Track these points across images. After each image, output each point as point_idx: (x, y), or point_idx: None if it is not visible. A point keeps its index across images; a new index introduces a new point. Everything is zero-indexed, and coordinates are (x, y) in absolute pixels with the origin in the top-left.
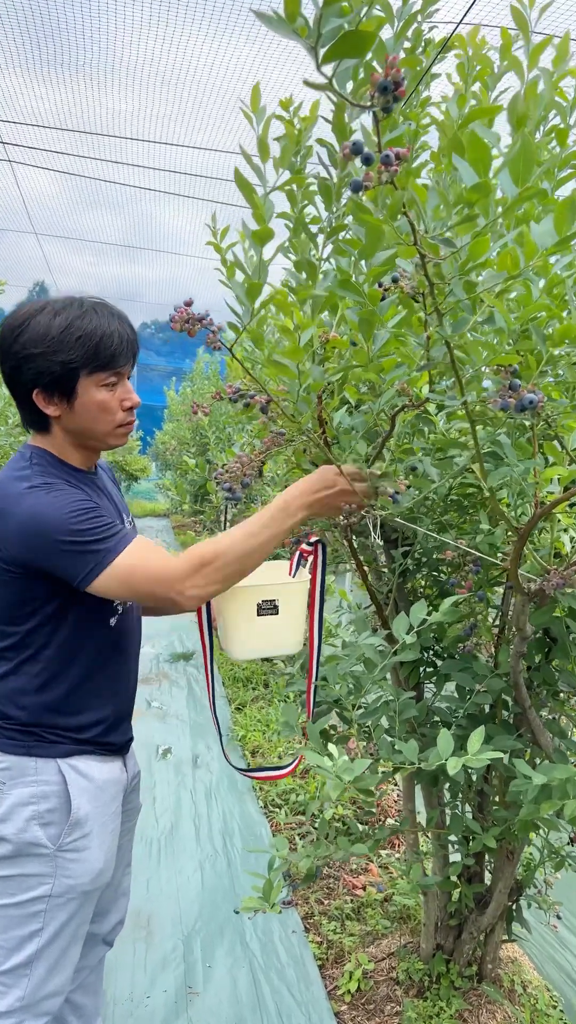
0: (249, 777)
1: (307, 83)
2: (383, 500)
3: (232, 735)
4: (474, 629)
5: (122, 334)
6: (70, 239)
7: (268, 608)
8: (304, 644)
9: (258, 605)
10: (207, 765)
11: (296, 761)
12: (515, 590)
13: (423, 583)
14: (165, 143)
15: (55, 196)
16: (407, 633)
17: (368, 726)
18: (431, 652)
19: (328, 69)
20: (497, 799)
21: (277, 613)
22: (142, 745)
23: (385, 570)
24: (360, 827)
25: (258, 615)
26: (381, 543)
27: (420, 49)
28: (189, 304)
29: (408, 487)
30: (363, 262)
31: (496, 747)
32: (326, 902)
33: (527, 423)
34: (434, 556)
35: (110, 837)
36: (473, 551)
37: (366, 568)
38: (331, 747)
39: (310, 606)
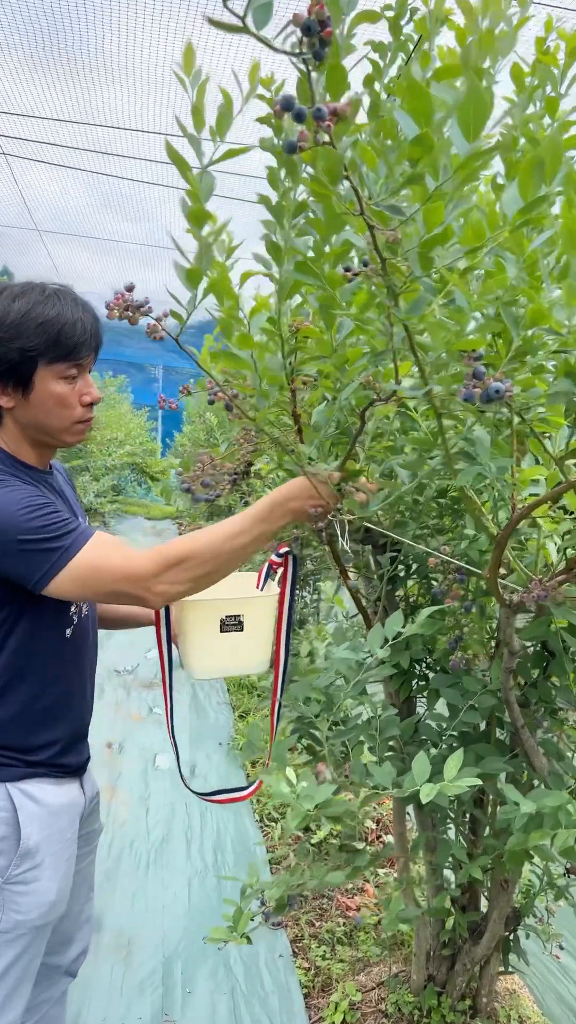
0: (208, 801)
1: (211, 21)
2: (350, 503)
3: (233, 744)
4: (459, 642)
5: (85, 323)
6: (89, 238)
7: (232, 624)
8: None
9: (221, 621)
10: (204, 775)
11: (256, 785)
12: (497, 602)
13: (417, 590)
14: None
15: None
16: (381, 647)
17: (345, 744)
18: (423, 664)
19: (239, 6)
20: (488, 825)
21: (242, 629)
22: (139, 752)
23: (373, 577)
24: (359, 845)
25: (221, 631)
26: (362, 548)
27: (406, 19)
28: (130, 289)
29: (380, 489)
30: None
31: (486, 769)
32: (317, 924)
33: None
34: (425, 562)
35: (64, 866)
36: (452, 559)
37: (357, 574)
38: (290, 771)
39: (278, 621)
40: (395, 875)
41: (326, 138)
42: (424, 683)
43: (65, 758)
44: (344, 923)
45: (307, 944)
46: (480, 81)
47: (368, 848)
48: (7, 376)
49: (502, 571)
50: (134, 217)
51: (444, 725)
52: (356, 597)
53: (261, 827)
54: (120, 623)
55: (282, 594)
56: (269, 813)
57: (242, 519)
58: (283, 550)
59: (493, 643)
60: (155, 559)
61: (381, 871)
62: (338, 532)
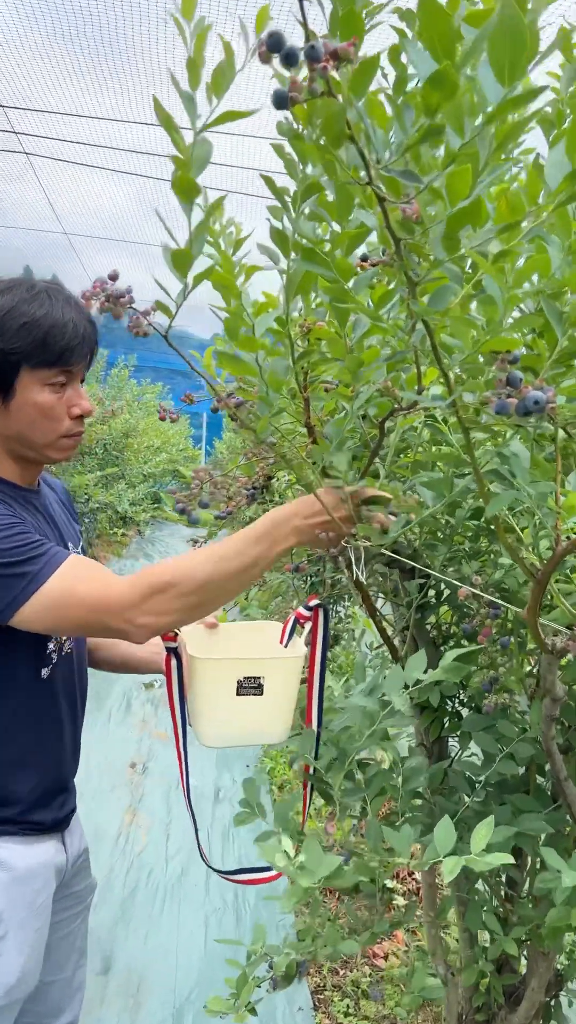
0: (230, 880)
1: None
2: (365, 528)
3: (260, 767)
4: (494, 684)
5: (78, 326)
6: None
7: (251, 687)
8: (295, 730)
9: (238, 682)
10: (229, 800)
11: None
12: (537, 646)
13: (451, 618)
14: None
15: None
16: (399, 694)
17: (363, 800)
18: (456, 700)
19: None
20: (527, 889)
21: (261, 693)
22: (163, 773)
23: (402, 604)
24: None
25: (237, 694)
26: (388, 571)
27: None
28: (113, 278)
29: (394, 514)
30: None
31: (524, 828)
32: (341, 972)
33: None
34: (457, 589)
35: (33, 937)
36: (483, 594)
37: (384, 599)
38: (285, 840)
39: (308, 687)
40: (422, 930)
41: (318, 86)
42: (457, 720)
43: (37, 814)
44: (371, 972)
45: (329, 996)
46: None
47: (397, 888)
48: None
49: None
50: (171, 221)
51: (479, 770)
52: (381, 627)
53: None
54: (119, 665)
55: (312, 654)
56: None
57: (237, 540)
58: (313, 602)
59: (533, 681)
60: (137, 585)
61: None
62: (352, 560)
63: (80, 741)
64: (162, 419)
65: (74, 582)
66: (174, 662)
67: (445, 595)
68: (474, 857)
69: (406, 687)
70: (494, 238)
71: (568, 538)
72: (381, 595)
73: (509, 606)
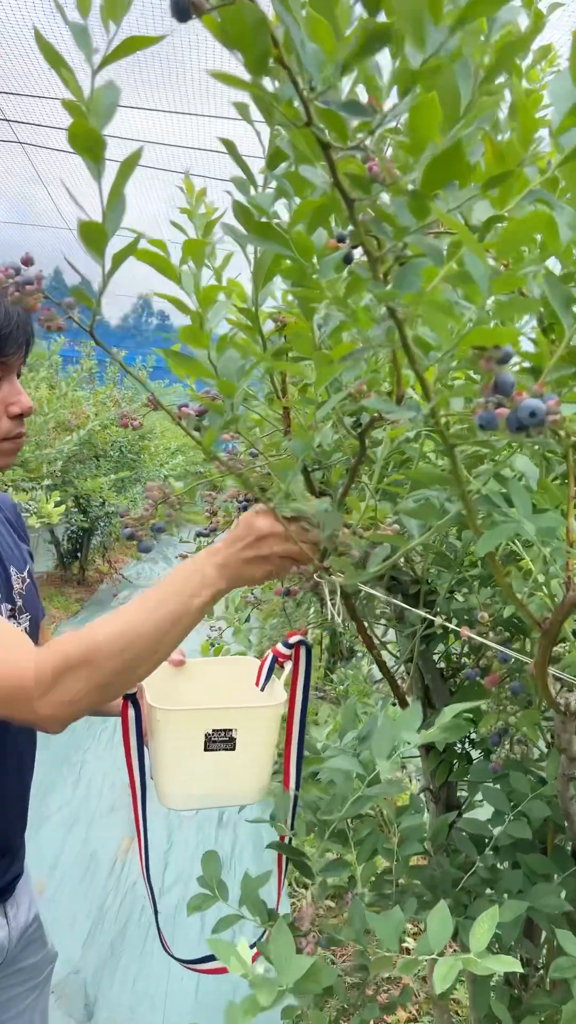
0: (191, 970)
1: None
2: (338, 562)
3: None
4: (504, 736)
5: (11, 313)
6: None
7: (221, 740)
8: (272, 790)
9: (206, 736)
10: (233, 825)
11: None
12: (548, 704)
13: (463, 647)
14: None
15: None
16: (388, 758)
17: (349, 874)
18: (467, 741)
19: None
20: (542, 970)
21: (234, 748)
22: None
23: (406, 633)
24: None
25: (206, 749)
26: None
27: None
28: (27, 263)
29: (363, 542)
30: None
31: (536, 904)
32: None
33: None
34: (466, 616)
35: None
36: (485, 639)
37: (387, 625)
38: (242, 944)
39: (287, 736)
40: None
41: None
42: (468, 762)
43: None
44: None
45: None
46: None
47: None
48: None
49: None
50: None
51: (489, 826)
52: (380, 660)
53: (291, 891)
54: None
55: (292, 698)
56: (298, 878)
57: (158, 589)
58: (293, 639)
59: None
60: (50, 659)
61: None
62: (325, 592)
63: (28, 798)
64: (124, 426)
65: None
66: (131, 711)
67: (454, 623)
68: (473, 958)
69: (393, 751)
70: (478, 196)
71: None
72: (384, 621)
73: (516, 655)
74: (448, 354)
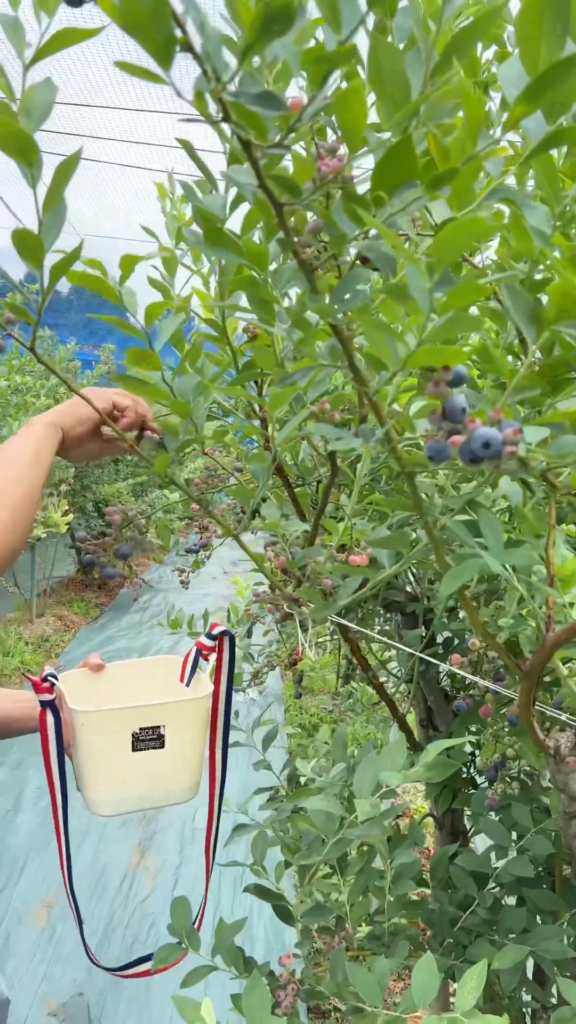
0: (120, 976)
1: None
2: (307, 592)
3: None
4: (500, 770)
5: None
6: None
7: (149, 739)
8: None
9: (134, 735)
10: (246, 840)
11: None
12: (534, 746)
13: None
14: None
15: None
16: (371, 796)
17: (336, 916)
18: (472, 766)
19: None
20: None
21: (163, 745)
22: (179, 809)
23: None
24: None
25: (134, 749)
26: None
27: None
28: None
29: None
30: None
31: (539, 949)
32: None
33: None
34: (467, 636)
35: None
36: (474, 675)
37: (386, 644)
38: (206, 1007)
39: (212, 728)
40: None
41: None
42: (473, 788)
43: None
44: None
45: None
46: None
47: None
48: None
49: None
50: None
51: (490, 858)
52: (377, 683)
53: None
54: None
55: (216, 690)
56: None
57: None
58: (216, 630)
59: None
60: None
61: None
62: (297, 627)
63: None
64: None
65: None
66: (50, 718)
67: (455, 643)
68: (459, 1018)
69: (378, 788)
70: (423, 197)
71: (562, 622)
72: (383, 639)
73: (502, 690)
74: (396, 376)
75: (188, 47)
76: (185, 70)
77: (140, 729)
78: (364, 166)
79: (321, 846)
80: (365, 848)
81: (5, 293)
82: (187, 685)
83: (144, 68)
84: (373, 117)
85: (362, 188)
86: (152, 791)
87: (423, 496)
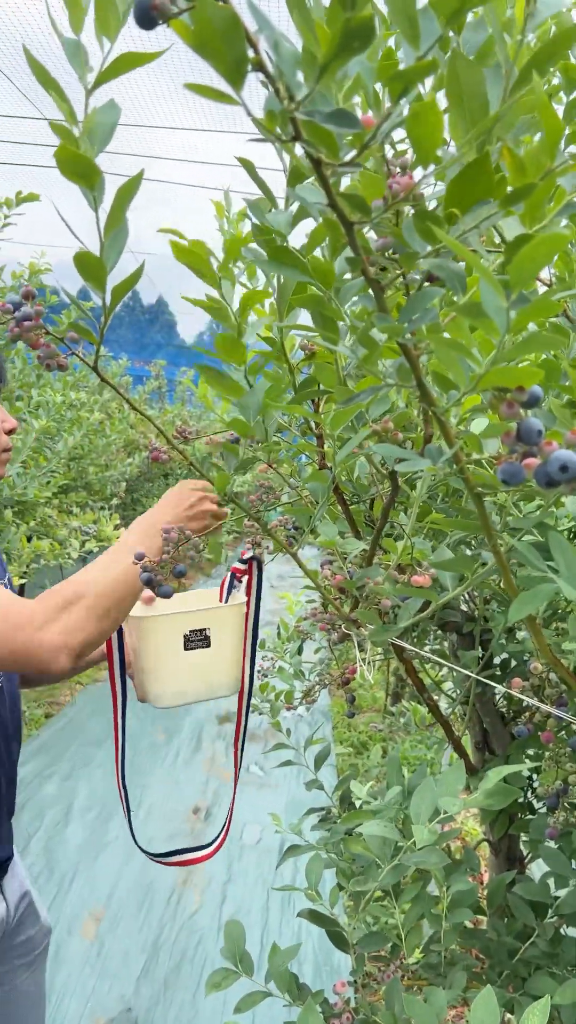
0: (163, 864)
1: None
2: (365, 615)
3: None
4: (562, 797)
5: None
6: None
7: (198, 639)
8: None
9: (185, 636)
10: (297, 858)
11: (216, 845)
12: None
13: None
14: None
15: None
16: (428, 822)
17: (391, 943)
18: (529, 790)
19: None
20: None
21: (209, 645)
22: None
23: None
24: None
25: (185, 649)
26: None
27: None
28: (28, 297)
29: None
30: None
31: None
32: None
33: None
34: (525, 658)
35: None
36: (535, 701)
37: (442, 664)
38: None
39: (244, 636)
40: None
41: None
42: (531, 813)
43: None
44: None
45: None
46: None
47: None
48: None
49: None
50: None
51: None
52: (432, 703)
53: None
54: (28, 679)
55: (248, 605)
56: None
57: (117, 547)
58: (247, 556)
59: None
60: (44, 601)
61: None
62: (355, 647)
63: (15, 780)
64: (154, 459)
65: None
66: (114, 637)
67: (513, 665)
68: None
69: (436, 815)
70: (497, 214)
71: None
72: (439, 658)
73: (564, 716)
74: (466, 396)
75: (260, 67)
76: (245, 89)
77: (190, 631)
78: (426, 183)
79: (376, 871)
80: (419, 872)
81: (60, 310)
82: (225, 602)
83: (214, 89)
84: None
85: (429, 205)
86: (201, 684)
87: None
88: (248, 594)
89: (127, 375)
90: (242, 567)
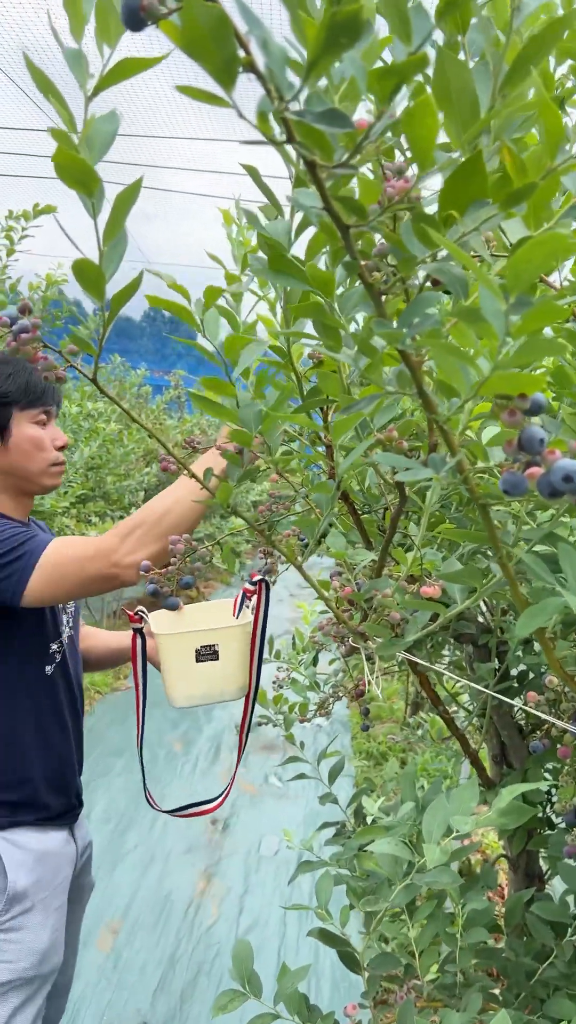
0: (177, 816)
1: None
2: (373, 628)
3: None
4: None
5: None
6: None
7: (208, 654)
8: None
9: (196, 651)
10: (315, 872)
11: (223, 796)
12: None
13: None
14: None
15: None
16: (439, 840)
17: (405, 963)
18: (549, 804)
19: None
20: None
21: (217, 658)
22: (245, 832)
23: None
24: None
25: (197, 661)
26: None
27: None
28: (24, 311)
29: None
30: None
31: None
32: None
33: None
34: (542, 670)
35: (55, 915)
36: (541, 710)
37: (459, 675)
38: None
39: (251, 649)
40: None
41: None
42: (551, 828)
43: (47, 797)
44: None
45: None
46: None
47: None
48: None
49: None
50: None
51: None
52: (448, 717)
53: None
54: (106, 656)
55: (255, 623)
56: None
57: (185, 483)
58: (256, 578)
59: None
60: (112, 533)
61: None
62: (363, 662)
63: (82, 735)
64: (164, 470)
65: (62, 547)
66: (139, 640)
67: (531, 677)
68: None
69: (448, 833)
70: (497, 215)
71: None
72: (458, 669)
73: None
74: (468, 403)
75: (251, 67)
76: (248, 94)
77: (201, 647)
78: (432, 187)
79: (388, 890)
80: (434, 890)
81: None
82: (236, 617)
83: (206, 91)
84: (442, 137)
85: (431, 209)
86: (211, 690)
87: (499, 526)
88: (256, 612)
89: (146, 384)
90: (252, 588)
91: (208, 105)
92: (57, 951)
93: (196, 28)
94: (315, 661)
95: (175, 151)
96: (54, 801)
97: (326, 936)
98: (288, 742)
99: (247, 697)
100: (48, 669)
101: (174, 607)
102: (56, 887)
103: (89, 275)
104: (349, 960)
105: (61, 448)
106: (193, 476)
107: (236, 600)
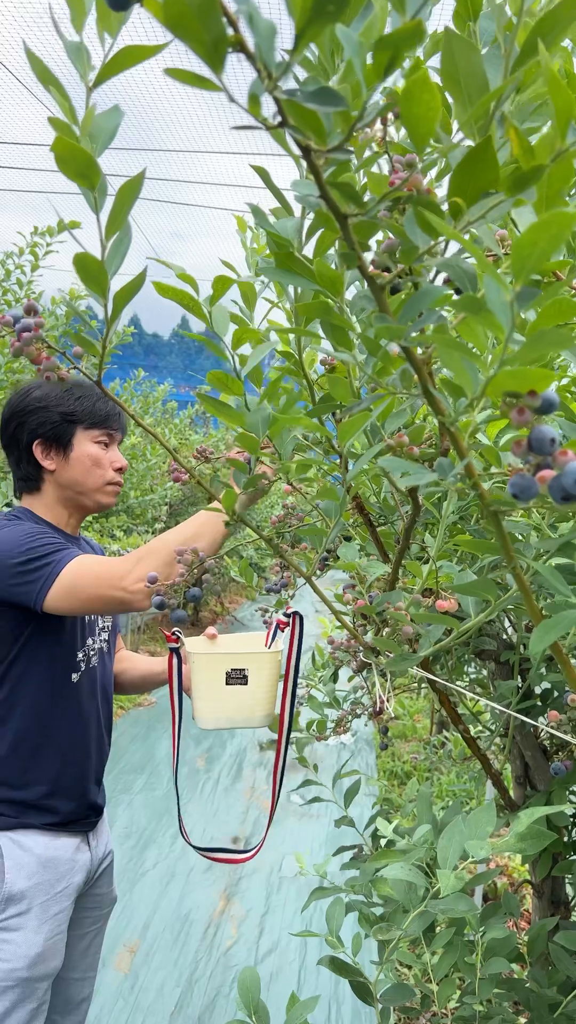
0: (207, 858)
1: None
2: (383, 643)
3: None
4: None
5: (110, 404)
6: None
7: (237, 678)
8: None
9: (227, 673)
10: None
11: (258, 846)
12: None
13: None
14: None
15: None
16: (455, 865)
17: (422, 994)
18: (573, 828)
19: None
20: None
21: (246, 683)
22: (265, 852)
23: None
24: None
25: (227, 684)
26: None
27: None
28: (30, 312)
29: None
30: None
31: None
32: None
33: None
34: (566, 689)
35: (53, 920)
36: (563, 729)
37: (480, 694)
38: None
39: (285, 679)
40: None
41: None
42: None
43: (56, 802)
44: None
45: None
46: None
47: None
48: (51, 439)
49: None
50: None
51: None
52: (468, 736)
53: (397, 972)
54: (139, 681)
55: (289, 654)
56: (393, 968)
57: (199, 520)
58: (291, 611)
59: None
60: (127, 557)
61: None
62: (375, 678)
63: (107, 745)
64: (175, 480)
65: (82, 566)
66: (175, 660)
67: (555, 695)
68: None
69: (469, 853)
70: (505, 202)
71: None
72: (480, 688)
73: None
74: (475, 403)
75: (240, 46)
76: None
77: (231, 669)
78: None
79: (402, 917)
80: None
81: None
82: (268, 647)
83: (195, 74)
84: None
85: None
86: (237, 714)
87: (516, 537)
88: (290, 645)
89: (171, 400)
90: (285, 620)
91: (193, 86)
92: (53, 957)
93: (181, 6)
94: (335, 677)
95: (197, 165)
96: (64, 807)
97: (337, 965)
98: (301, 764)
99: (279, 741)
100: (74, 676)
101: (181, 620)
102: (57, 893)
103: (91, 270)
104: (362, 990)
105: (119, 470)
106: (200, 484)
107: (269, 632)
